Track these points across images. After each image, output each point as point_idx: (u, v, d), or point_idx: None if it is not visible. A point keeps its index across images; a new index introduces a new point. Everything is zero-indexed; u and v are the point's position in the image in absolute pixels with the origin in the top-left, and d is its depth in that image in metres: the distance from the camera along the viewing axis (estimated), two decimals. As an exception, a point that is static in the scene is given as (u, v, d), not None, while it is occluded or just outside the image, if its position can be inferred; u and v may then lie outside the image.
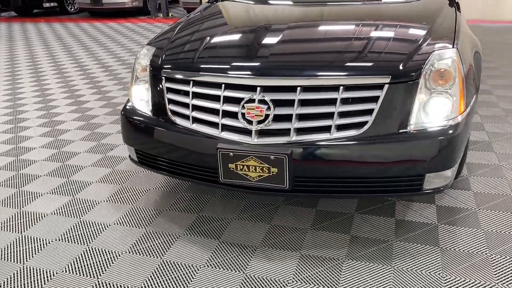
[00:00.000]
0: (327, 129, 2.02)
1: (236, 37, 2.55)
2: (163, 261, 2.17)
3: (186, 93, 2.25)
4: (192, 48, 2.45)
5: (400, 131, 2.02)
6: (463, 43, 2.38)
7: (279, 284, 2.00)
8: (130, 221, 2.52)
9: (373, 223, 2.39)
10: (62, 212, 2.64)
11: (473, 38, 2.80)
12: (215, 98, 2.17)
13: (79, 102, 4.80)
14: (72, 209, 2.66)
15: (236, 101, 2.11)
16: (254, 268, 2.11)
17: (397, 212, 2.48)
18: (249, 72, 2.09)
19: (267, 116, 2.03)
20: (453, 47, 2.18)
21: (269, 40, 2.36)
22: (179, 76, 2.26)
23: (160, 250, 2.25)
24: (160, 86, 2.33)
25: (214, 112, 2.17)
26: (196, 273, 2.09)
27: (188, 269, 2.11)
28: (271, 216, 2.50)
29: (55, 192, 2.88)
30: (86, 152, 3.48)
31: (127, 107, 2.51)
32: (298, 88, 2.02)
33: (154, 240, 2.34)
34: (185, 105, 2.25)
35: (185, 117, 2.24)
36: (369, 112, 2.01)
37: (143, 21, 11.56)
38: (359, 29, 2.39)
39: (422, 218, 2.42)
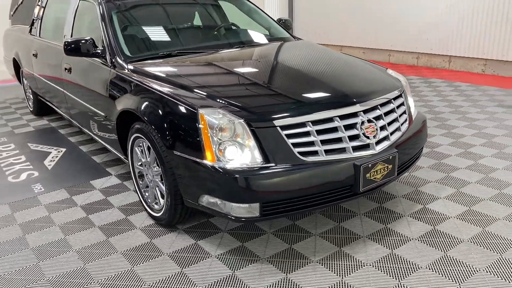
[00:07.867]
0: (398, 129, 2.92)
1: (296, 73, 3.10)
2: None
3: (306, 134, 2.56)
4: (276, 92, 2.80)
5: (413, 119, 3.15)
6: None
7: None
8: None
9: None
10: None
11: None
12: (331, 130, 2.63)
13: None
14: None
15: (347, 127, 2.67)
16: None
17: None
18: (352, 102, 2.70)
19: (376, 130, 2.72)
20: (386, 68, 3.48)
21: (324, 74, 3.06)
22: (296, 122, 2.52)
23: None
24: (273, 135, 2.50)
25: (334, 140, 2.62)
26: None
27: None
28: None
29: None
30: None
31: (229, 168, 2.47)
32: (379, 106, 2.82)
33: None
34: (310, 144, 2.55)
35: (315, 153, 2.55)
36: (405, 112, 3.05)
37: None
38: (346, 66, 3.34)
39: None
